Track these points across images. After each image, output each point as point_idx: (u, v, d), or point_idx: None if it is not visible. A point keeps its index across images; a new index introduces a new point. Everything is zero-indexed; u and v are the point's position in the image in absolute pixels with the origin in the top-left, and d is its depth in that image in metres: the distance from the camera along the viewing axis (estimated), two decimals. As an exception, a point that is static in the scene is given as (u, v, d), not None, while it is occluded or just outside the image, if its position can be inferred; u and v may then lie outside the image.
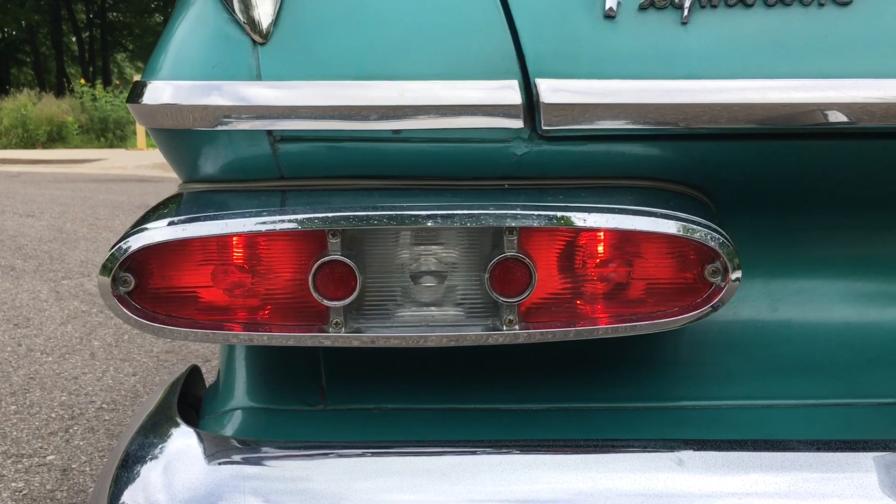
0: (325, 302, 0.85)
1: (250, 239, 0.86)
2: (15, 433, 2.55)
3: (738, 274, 0.86)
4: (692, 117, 0.86)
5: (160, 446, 0.87)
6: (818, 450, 0.83)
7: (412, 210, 0.83)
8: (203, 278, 0.87)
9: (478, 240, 0.87)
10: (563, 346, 0.98)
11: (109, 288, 0.83)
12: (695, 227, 0.84)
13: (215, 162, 0.91)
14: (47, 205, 7.66)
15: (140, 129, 16.69)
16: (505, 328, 0.86)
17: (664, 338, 1.00)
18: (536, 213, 0.84)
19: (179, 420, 0.91)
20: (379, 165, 0.90)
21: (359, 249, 0.86)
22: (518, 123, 0.86)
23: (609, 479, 0.81)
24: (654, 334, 0.93)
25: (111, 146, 18.03)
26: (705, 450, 0.83)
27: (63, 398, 2.85)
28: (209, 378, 1.18)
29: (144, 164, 12.75)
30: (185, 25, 0.90)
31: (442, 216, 0.83)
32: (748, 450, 0.83)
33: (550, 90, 0.85)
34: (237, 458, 0.84)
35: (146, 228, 0.84)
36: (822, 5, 0.88)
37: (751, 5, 0.88)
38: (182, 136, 0.89)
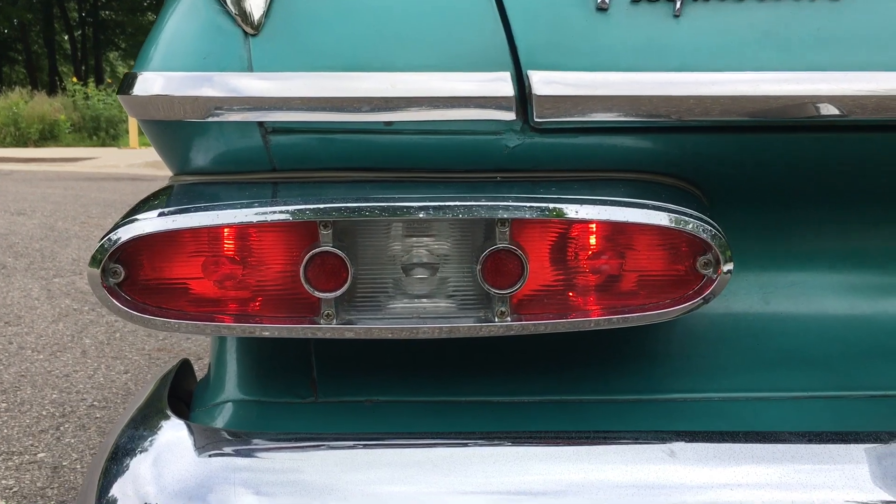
0: (317, 294, 0.84)
1: (241, 230, 0.86)
2: (5, 431, 2.54)
3: (729, 266, 0.86)
4: (684, 110, 0.86)
5: (150, 439, 0.87)
6: (810, 441, 0.83)
7: (404, 201, 0.83)
8: (194, 270, 0.86)
9: (470, 232, 0.87)
10: (554, 339, 0.98)
11: (99, 279, 0.83)
12: (687, 218, 0.85)
13: (206, 154, 0.90)
14: (39, 203, 7.63)
15: (132, 128, 16.65)
16: (497, 320, 0.86)
17: (656, 330, 1.00)
18: (528, 204, 0.83)
19: (169, 412, 0.90)
20: (371, 157, 0.90)
21: (350, 241, 0.86)
22: (510, 115, 0.86)
23: (600, 471, 0.81)
24: (645, 326, 0.93)
25: (103, 145, 17.97)
26: (697, 442, 0.83)
27: (54, 396, 2.84)
28: (200, 374, 1.18)
29: (137, 163, 12.71)
30: (177, 16, 0.90)
31: (434, 208, 0.83)
32: (740, 442, 0.83)
33: (543, 82, 0.85)
34: (227, 450, 0.84)
35: (136, 219, 0.83)
36: (813, -2, 0.88)
37: (743, -2, 0.88)
38: (173, 128, 0.88)
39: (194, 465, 0.82)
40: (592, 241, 0.88)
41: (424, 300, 0.89)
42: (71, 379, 3.01)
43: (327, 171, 0.91)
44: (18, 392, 2.87)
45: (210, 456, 0.83)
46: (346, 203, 0.83)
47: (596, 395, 0.99)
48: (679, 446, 0.82)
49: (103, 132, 18.84)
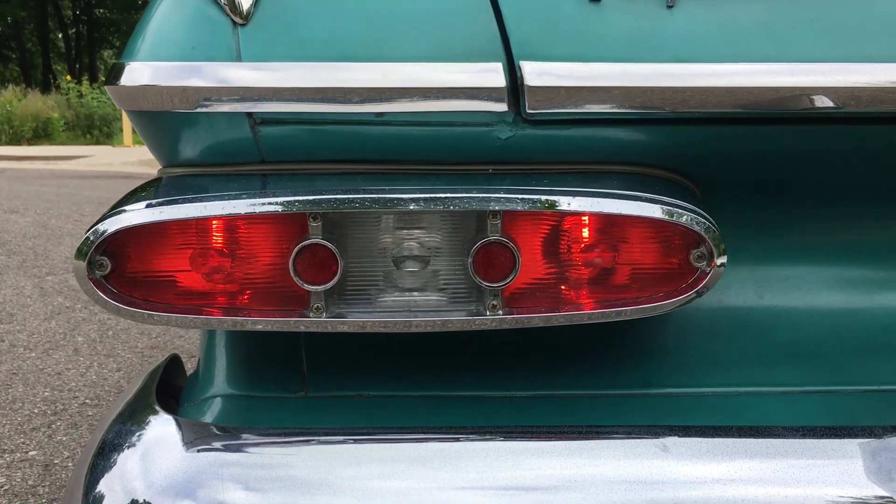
0: (306, 286, 0.83)
1: (230, 222, 0.85)
2: (-4, 428, 2.52)
3: (723, 259, 0.85)
4: (678, 101, 0.85)
5: (138, 434, 0.85)
6: (803, 436, 0.83)
7: (395, 193, 0.82)
8: (181, 262, 0.85)
9: (461, 224, 0.86)
10: (547, 332, 0.97)
11: (85, 271, 0.82)
12: (680, 211, 0.84)
13: (195, 145, 0.89)
14: (32, 201, 7.60)
15: (126, 126, 16.59)
16: (489, 313, 0.85)
17: (649, 324, 0.99)
18: (520, 196, 0.83)
19: (158, 407, 0.89)
20: (361, 149, 0.89)
21: (340, 233, 0.85)
22: (502, 107, 0.85)
23: (593, 466, 0.80)
24: (638, 320, 0.92)
25: (97, 143, 17.91)
26: (690, 436, 0.83)
27: (46, 394, 2.82)
28: (191, 371, 1.16)
29: (130, 161, 12.67)
30: (165, 6, 0.89)
31: (425, 199, 0.82)
32: (733, 436, 0.83)
33: (535, 73, 0.84)
34: (217, 444, 0.83)
35: (123, 211, 0.82)
36: (808, -11, 0.87)
37: (737, -12, 0.87)
38: (161, 119, 0.87)
39: (183, 460, 0.80)
40: (585, 233, 0.87)
41: (415, 293, 0.88)
42: (63, 377, 2.99)
43: (317, 163, 0.90)
44: (10, 390, 2.85)
45: (199, 451, 0.81)
46: (336, 195, 0.82)
47: (588, 389, 0.98)
48: (672, 441, 0.82)
49: (97, 130, 18.78)
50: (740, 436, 0.83)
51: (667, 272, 0.87)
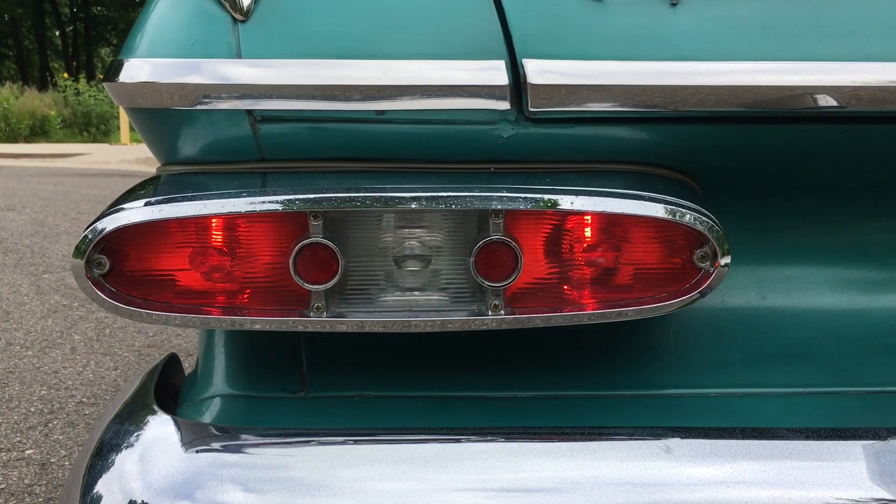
0: (306, 286, 0.83)
1: (229, 221, 0.84)
2: (-7, 427, 2.51)
3: (727, 259, 0.84)
4: (681, 100, 0.85)
5: (136, 434, 0.85)
6: (807, 438, 0.82)
7: (396, 192, 0.81)
8: (180, 261, 0.84)
9: (463, 223, 0.86)
10: (549, 333, 0.97)
11: (83, 270, 0.81)
12: (684, 210, 0.83)
13: (194, 143, 0.88)
14: (29, 199, 7.58)
15: (124, 124, 16.57)
16: (490, 313, 0.85)
17: (652, 324, 0.99)
18: (523, 195, 0.82)
19: (156, 407, 0.88)
20: (362, 147, 0.88)
21: (341, 232, 0.84)
22: (504, 105, 0.84)
23: (596, 467, 0.79)
24: (641, 321, 0.92)
25: (94, 141, 17.88)
26: (693, 438, 0.82)
27: (43, 392, 2.81)
28: (189, 370, 1.16)
29: (128, 159, 12.65)
30: (164, 2, 0.88)
31: (426, 198, 0.81)
32: (736, 438, 0.82)
33: (537, 71, 0.84)
34: (215, 445, 0.82)
35: (122, 209, 0.81)
36: (812, -13, 0.87)
37: (741, -14, 0.86)
38: (160, 116, 0.87)
39: (181, 460, 0.80)
40: (587, 233, 0.86)
41: (416, 293, 0.87)
42: (60, 375, 2.98)
43: (317, 161, 0.89)
44: (6, 388, 2.84)
45: (197, 451, 0.81)
46: (337, 193, 0.81)
47: (591, 390, 0.97)
48: (675, 442, 0.81)
49: (94, 128, 18.75)
50: (743, 437, 0.82)
51: (670, 272, 0.87)
